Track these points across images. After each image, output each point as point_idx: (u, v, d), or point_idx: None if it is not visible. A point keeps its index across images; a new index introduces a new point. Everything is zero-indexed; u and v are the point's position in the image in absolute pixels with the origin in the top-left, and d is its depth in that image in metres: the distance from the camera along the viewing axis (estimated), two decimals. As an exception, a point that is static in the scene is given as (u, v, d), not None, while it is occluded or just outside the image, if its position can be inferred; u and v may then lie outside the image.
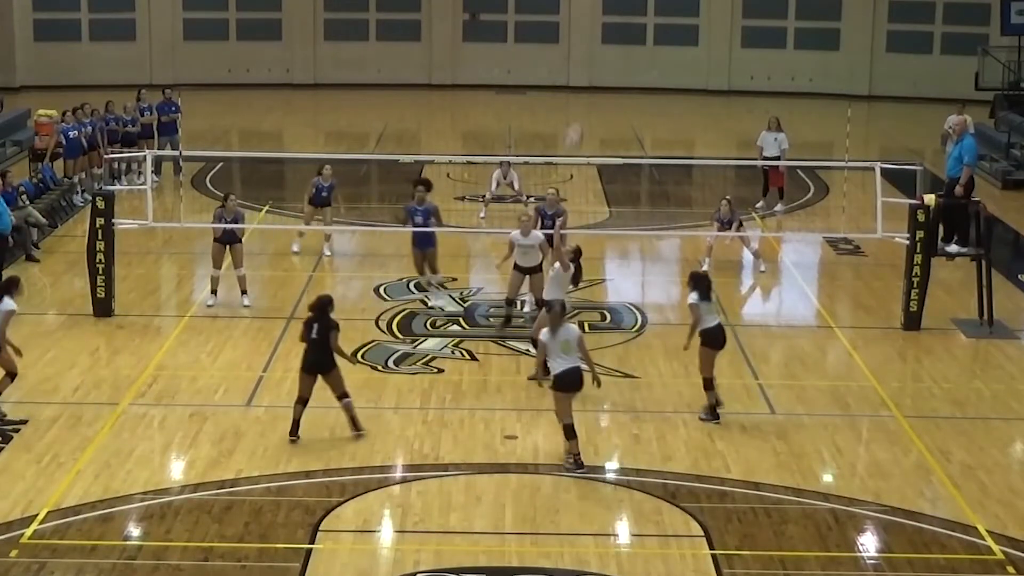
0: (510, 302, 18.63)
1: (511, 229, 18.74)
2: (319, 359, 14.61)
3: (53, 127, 26.39)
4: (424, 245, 19.75)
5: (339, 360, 14.75)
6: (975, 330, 18.98)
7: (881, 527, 12.99)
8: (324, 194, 22.34)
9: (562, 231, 18.07)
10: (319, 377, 14.69)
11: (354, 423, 14.87)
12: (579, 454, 14.10)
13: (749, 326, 19.38)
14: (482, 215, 25.18)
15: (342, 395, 14.77)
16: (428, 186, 20.07)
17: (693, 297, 15.33)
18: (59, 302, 19.87)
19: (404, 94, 42.04)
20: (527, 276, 18.34)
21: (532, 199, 25.08)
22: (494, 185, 24.89)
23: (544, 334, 14.01)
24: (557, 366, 13.88)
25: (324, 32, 43.50)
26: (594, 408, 15.98)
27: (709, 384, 15.47)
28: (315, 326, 14.61)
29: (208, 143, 32.09)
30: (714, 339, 15.37)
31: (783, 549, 12.45)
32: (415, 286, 20.52)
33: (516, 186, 24.89)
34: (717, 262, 22.04)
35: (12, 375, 15.42)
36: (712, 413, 15.52)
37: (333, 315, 14.75)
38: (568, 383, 13.92)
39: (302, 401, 14.72)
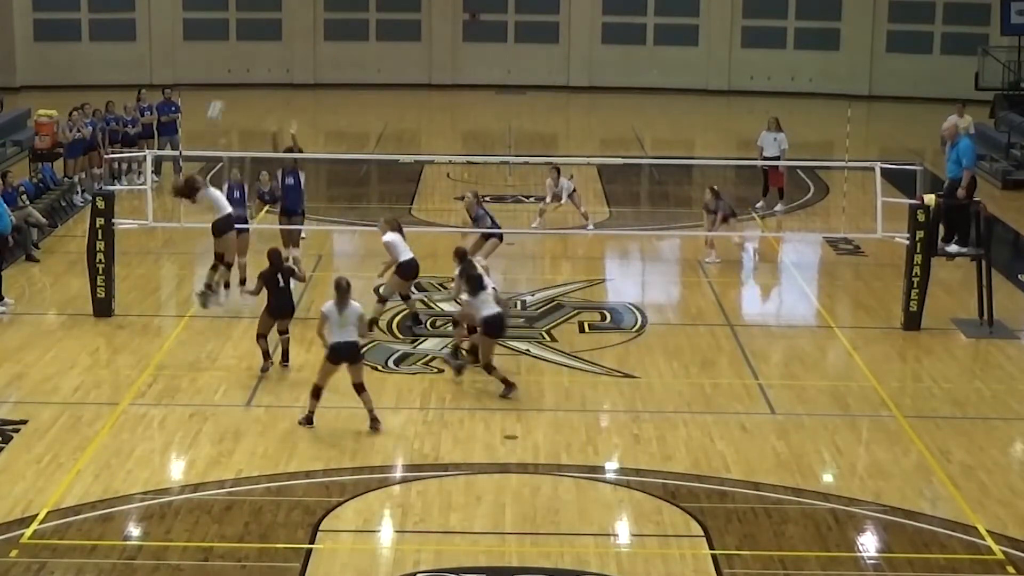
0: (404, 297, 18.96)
1: (509, 230, 18.82)
2: (288, 303, 16.94)
3: (53, 126, 26.41)
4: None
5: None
6: (975, 330, 18.98)
7: (881, 527, 12.99)
8: (236, 195, 21.29)
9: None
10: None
11: (286, 356, 16.93)
12: (312, 413, 15.10)
13: (749, 326, 19.37)
14: (534, 224, 24.12)
15: (286, 330, 16.91)
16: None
17: (465, 296, 16.62)
18: (59, 302, 19.87)
19: (404, 94, 42.06)
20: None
21: (534, 199, 25.13)
22: (548, 196, 24.12)
23: (328, 307, 15.03)
24: (334, 338, 14.88)
25: (324, 32, 43.51)
26: (594, 408, 16.01)
27: (489, 368, 16.22)
28: (279, 276, 16.76)
29: (208, 143, 32.08)
30: (493, 327, 16.11)
31: (783, 549, 12.45)
32: (415, 286, 20.49)
33: (563, 197, 23.94)
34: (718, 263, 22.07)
35: (228, 265, 18.53)
36: (459, 373, 16.59)
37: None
38: (342, 355, 14.90)
39: (263, 336, 16.79)
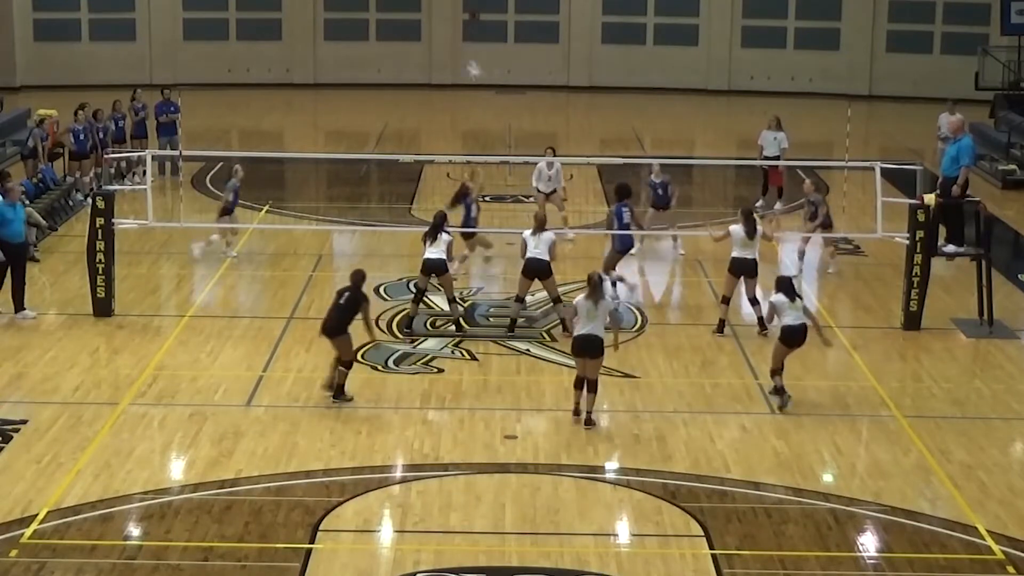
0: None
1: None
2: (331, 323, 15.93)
3: (53, 126, 26.40)
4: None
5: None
6: (975, 330, 18.98)
7: (881, 527, 13.00)
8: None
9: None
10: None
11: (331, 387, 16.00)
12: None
13: (749, 326, 19.35)
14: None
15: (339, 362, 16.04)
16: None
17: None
18: (59, 302, 19.87)
19: (404, 94, 42.04)
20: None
21: (532, 199, 25.09)
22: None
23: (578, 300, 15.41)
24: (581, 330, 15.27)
25: (324, 32, 43.50)
26: (594, 408, 15.98)
27: None
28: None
29: (208, 143, 32.09)
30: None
31: (783, 549, 12.46)
32: (415, 286, 20.48)
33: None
34: (717, 262, 22.02)
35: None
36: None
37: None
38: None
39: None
